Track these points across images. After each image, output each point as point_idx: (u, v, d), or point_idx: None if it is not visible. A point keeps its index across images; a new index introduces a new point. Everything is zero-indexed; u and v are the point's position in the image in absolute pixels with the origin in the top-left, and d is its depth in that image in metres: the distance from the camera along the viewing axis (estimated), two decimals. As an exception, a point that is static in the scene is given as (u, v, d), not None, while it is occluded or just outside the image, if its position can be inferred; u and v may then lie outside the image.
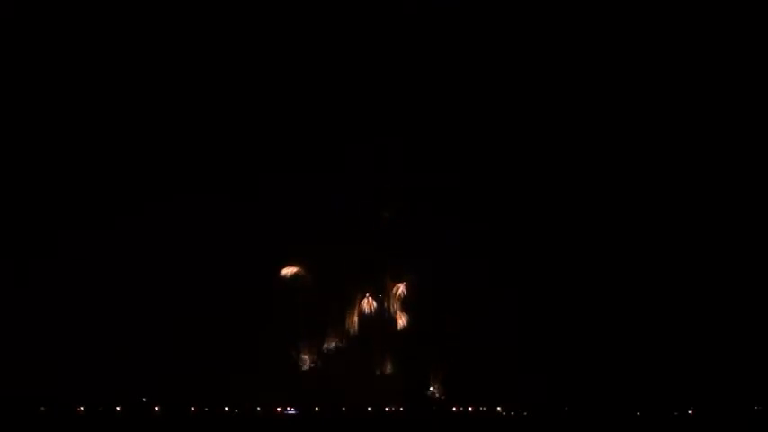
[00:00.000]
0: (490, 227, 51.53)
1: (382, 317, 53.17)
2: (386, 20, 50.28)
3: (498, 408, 51.73)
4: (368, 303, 52.98)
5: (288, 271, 52.65)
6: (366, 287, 53.39)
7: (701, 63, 50.10)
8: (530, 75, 51.43)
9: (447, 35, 50.72)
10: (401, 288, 53.37)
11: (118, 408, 48.41)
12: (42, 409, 46.94)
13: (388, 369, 52.81)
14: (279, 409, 50.62)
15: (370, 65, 50.88)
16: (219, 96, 50.50)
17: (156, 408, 49.09)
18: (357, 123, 51.33)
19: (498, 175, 52.08)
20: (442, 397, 52.65)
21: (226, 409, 49.66)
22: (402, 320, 52.84)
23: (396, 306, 53.00)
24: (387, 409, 52.06)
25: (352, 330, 52.84)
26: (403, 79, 51.13)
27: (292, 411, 50.81)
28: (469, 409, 51.94)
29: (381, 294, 53.37)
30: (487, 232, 51.51)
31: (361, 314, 52.96)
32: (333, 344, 52.68)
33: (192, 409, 49.49)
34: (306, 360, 51.86)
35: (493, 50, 51.08)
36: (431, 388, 52.91)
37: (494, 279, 50.78)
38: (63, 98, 49.43)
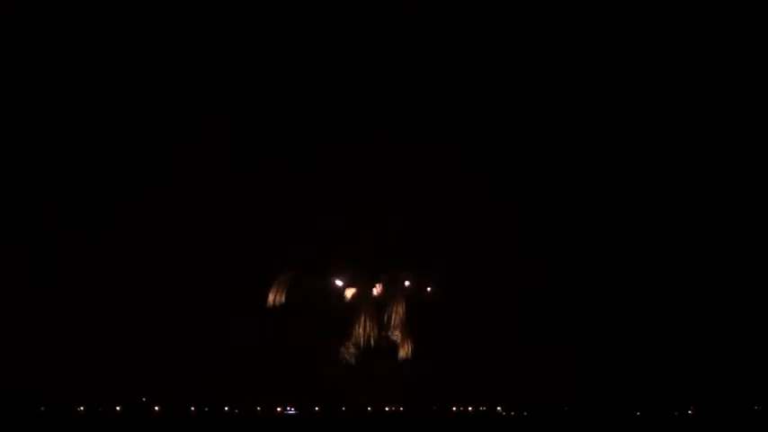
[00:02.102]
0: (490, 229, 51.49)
1: (380, 345, 52.22)
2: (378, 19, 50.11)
3: (498, 408, 51.69)
4: (364, 331, 51.98)
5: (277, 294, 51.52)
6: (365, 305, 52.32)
7: (702, 63, 50.22)
8: (527, 68, 51.30)
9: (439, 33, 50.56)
10: (400, 311, 52.41)
11: (118, 408, 48.36)
12: (42, 409, 46.86)
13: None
14: (279, 409, 50.58)
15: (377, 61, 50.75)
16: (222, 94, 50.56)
17: (156, 408, 49.05)
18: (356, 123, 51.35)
19: (498, 178, 52.13)
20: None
21: (226, 409, 49.63)
22: (406, 350, 52.13)
23: (397, 332, 52.09)
24: (387, 409, 52.04)
25: (351, 360, 52.03)
26: (417, 75, 50.81)
27: (292, 411, 50.77)
28: (469, 409, 51.89)
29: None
30: (486, 235, 51.47)
31: (357, 344, 52.03)
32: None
33: (192, 409, 49.46)
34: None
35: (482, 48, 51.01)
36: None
37: (494, 281, 50.79)
38: (55, 94, 49.42)
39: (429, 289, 52.15)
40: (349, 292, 51.95)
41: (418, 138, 51.01)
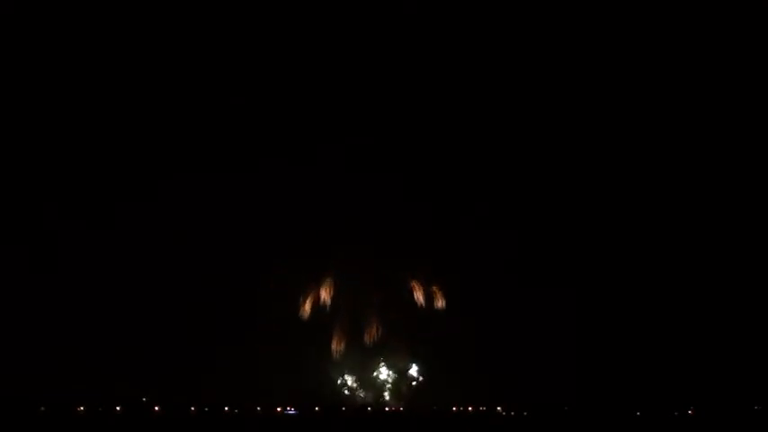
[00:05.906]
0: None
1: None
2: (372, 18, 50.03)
3: (498, 408, 51.72)
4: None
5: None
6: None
7: (702, 63, 50.19)
8: (512, 71, 51.27)
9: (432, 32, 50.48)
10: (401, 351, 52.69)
11: (118, 408, 48.39)
12: (42, 409, 46.88)
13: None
14: (279, 409, 50.61)
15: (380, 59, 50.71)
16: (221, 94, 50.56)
17: (156, 408, 49.08)
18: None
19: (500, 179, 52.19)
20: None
21: (226, 409, 49.67)
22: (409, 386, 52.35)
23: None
24: (387, 409, 52.10)
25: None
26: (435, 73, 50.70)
27: (292, 411, 50.79)
28: (469, 409, 51.91)
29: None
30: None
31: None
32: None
33: (192, 409, 49.49)
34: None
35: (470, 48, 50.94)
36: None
37: (494, 284, 50.80)
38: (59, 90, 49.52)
39: (436, 290, 52.28)
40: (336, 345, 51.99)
41: (417, 138, 51.61)
